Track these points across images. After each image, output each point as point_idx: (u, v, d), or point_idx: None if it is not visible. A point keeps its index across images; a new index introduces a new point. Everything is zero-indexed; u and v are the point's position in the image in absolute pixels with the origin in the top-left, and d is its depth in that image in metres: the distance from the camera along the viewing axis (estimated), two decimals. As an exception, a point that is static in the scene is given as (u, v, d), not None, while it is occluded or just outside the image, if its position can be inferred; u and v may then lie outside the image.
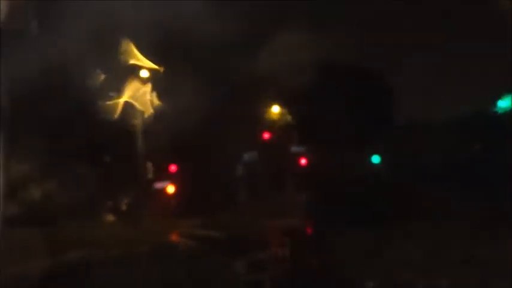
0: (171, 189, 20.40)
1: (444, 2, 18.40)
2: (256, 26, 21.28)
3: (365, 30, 21.04)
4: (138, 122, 19.17)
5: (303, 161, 21.99)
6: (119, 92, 18.79)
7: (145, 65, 19.07)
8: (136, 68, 18.88)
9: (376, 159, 21.53)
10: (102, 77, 17.75)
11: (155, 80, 19.21)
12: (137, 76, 18.96)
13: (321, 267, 12.58)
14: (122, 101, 18.92)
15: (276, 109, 22.58)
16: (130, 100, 18.97)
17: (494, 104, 19.62)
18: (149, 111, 19.23)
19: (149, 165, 19.82)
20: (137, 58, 18.85)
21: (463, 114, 20.52)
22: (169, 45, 18.31)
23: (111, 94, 18.44)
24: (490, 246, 10.27)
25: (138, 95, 19.11)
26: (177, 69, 18.59)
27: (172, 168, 21.06)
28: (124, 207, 19.19)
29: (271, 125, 22.44)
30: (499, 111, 19.31)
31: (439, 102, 20.69)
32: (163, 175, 20.57)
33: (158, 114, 19.09)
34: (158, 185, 20.25)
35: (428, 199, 16.70)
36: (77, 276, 10.93)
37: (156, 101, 19.25)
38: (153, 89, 19.26)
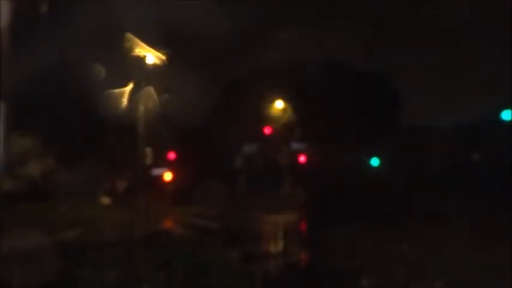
0: (168, 176, 20.36)
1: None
2: (262, 23, 21.33)
3: (371, 31, 21.07)
4: (141, 109, 19.20)
5: (302, 159, 22.01)
6: (125, 81, 18.93)
7: (150, 52, 19.18)
8: (141, 59, 19.01)
9: (375, 161, 21.55)
10: (108, 66, 17.85)
11: (160, 70, 19.28)
12: (142, 66, 19.09)
13: (313, 262, 12.59)
14: (126, 89, 19.03)
15: (279, 104, 22.55)
16: (135, 89, 19.10)
17: (497, 113, 19.67)
18: (153, 99, 19.28)
19: (148, 150, 19.76)
20: (142, 48, 19.01)
21: (466, 121, 20.60)
22: (175, 39, 18.52)
23: (117, 83, 18.62)
24: (486, 249, 10.31)
25: (143, 85, 19.25)
26: (181, 61, 18.63)
27: (171, 155, 21.02)
28: (121, 191, 19.16)
29: (273, 120, 22.43)
30: (502, 121, 19.37)
31: (441, 106, 20.71)
32: (163, 162, 20.55)
33: (161, 102, 19.13)
34: (156, 171, 20.20)
35: (424, 201, 16.75)
36: (71, 255, 10.88)
37: (160, 91, 19.31)
38: (158, 79, 19.31)
